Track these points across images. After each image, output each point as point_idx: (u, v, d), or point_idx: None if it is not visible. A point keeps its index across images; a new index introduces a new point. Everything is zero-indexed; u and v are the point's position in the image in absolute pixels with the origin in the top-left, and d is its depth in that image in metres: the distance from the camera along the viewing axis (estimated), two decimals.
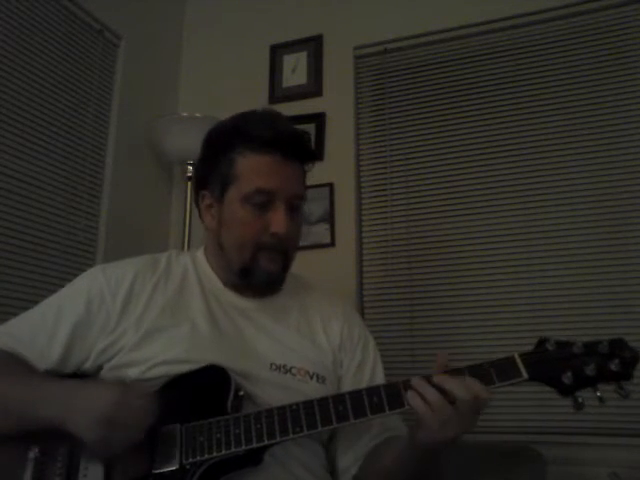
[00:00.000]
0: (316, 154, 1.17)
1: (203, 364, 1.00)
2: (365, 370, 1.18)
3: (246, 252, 1.08)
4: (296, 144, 1.10)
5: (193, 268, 1.16)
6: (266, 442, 0.91)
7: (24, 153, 1.82)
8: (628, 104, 1.95)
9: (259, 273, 1.09)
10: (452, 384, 0.88)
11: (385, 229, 2.14)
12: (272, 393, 1.02)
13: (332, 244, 2.13)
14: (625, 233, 1.87)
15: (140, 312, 1.07)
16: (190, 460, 0.91)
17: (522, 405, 1.79)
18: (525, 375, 0.90)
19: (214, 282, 1.15)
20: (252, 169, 1.07)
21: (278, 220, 1.06)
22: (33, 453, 0.94)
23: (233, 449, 0.91)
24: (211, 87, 2.47)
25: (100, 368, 1.05)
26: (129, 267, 1.12)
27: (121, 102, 2.19)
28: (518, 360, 0.91)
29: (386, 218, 2.15)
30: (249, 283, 1.11)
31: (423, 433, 0.89)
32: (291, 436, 0.92)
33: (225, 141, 1.10)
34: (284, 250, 1.10)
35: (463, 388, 0.87)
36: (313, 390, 1.06)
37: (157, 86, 2.41)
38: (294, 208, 1.10)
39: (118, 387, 0.91)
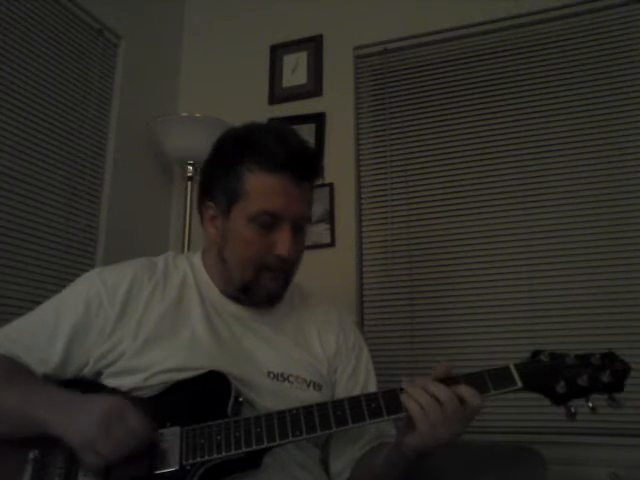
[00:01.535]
0: (322, 173, 1.16)
1: (203, 371, 1.00)
2: (359, 377, 1.18)
3: (248, 270, 1.08)
4: (307, 165, 1.08)
5: (192, 275, 1.16)
6: (265, 445, 0.92)
7: (24, 153, 1.82)
8: (628, 104, 1.95)
9: (259, 291, 1.09)
10: (436, 387, 0.89)
11: (385, 229, 2.14)
12: (270, 400, 1.03)
13: (332, 244, 2.13)
14: (627, 233, 1.87)
15: (138, 317, 1.06)
16: (190, 461, 0.91)
17: (522, 405, 1.79)
18: (519, 384, 0.92)
19: (212, 290, 1.15)
20: (260, 189, 1.05)
21: (283, 243, 1.05)
22: (33, 454, 0.95)
23: (233, 451, 0.91)
24: (211, 87, 2.47)
25: (99, 374, 1.05)
26: (126, 270, 1.12)
27: (121, 102, 2.19)
28: (513, 369, 0.93)
29: (386, 218, 2.15)
30: (249, 297, 1.11)
31: (414, 436, 0.90)
32: (290, 439, 0.92)
33: (235, 153, 1.08)
34: (286, 270, 1.10)
35: (448, 392, 0.89)
36: (310, 398, 1.06)
37: (157, 86, 2.41)
38: (299, 229, 1.09)
39: (115, 397, 0.92)
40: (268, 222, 1.05)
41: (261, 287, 1.09)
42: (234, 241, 1.08)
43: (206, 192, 1.14)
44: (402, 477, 1.00)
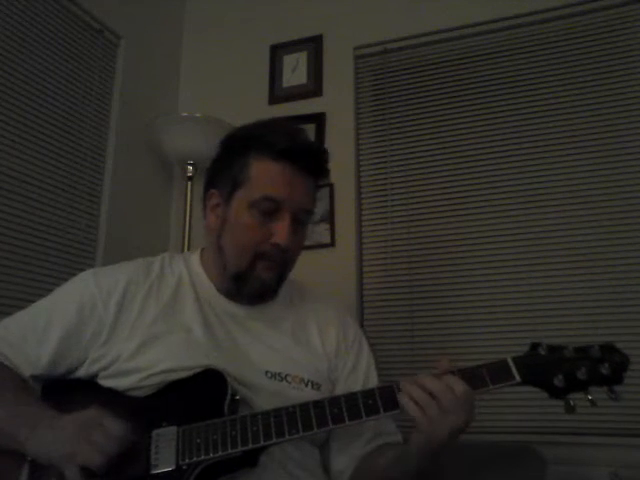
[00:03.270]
0: (328, 172, 1.15)
1: (200, 369, 1.00)
2: (359, 374, 1.17)
3: (244, 258, 1.07)
4: (312, 158, 1.09)
5: (187, 274, 1.15)
6: (262, 443, 0.91)
7: (24, 153, 1.82)
8: (628, 104, 1.94)
9: (253, 280, 1.08)
10: (426, 380, 0.90)
11: (385, 229, 2.14)
12: (268, 400, 1.02)
13: (332, 244, 2.13)
14: (627, 233, 1.87)
15: (133, 320, 1.06)
16: (187, 461, 0.91)
17: (522, 405, 1.79)
18: (518, 378, 0.91)
19: (208, 288, 1.14)
20: (264, 175, 1.05)
21: (281, 231, 1.05)
22: (30, 456, 0.94)
23: (229, 450, 0.91)
24: (211, 87, 2.47)
25: (94, 376, 1.05)
26: (121, 273, 1.11)
27: (121, 102, 2.19)
28: (511, 363, 0.93)
29: (386, 218, 2.15)
30: (241, 289, 1.10)
31: (418, 435, 0.90)
32: (287, 437, 0.92)
33: (241, 144, 1.09)
34: (283, 261, 1.09)
35: (437, 381, 0.89)
36: (309, 398, 1.05)
37: (157, 86, 2.41)
38: (300, 221, 1.09)
39: (90, 409, 0.91)
40: (269, 209, 1.05)
41: (255, 277, 1.07)
42: (233, 227, 1.08)
43: (211, 182, 1.15)
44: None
